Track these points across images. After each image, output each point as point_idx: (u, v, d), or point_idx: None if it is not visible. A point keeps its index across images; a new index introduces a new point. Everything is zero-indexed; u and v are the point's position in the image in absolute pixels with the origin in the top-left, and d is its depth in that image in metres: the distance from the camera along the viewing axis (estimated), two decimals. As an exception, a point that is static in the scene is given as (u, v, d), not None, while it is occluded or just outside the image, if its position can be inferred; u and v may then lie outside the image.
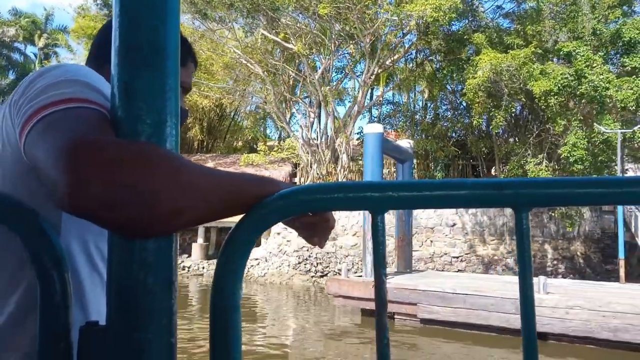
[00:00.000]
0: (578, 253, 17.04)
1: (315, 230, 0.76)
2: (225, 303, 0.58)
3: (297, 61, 18.64)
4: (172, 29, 0.61)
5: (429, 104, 20.48)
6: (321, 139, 18.02)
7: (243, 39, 18.74)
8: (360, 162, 19.66)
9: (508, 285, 10.25)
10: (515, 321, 9.15)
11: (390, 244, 13.70)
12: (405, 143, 13.27)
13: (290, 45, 15.91)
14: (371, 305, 10.78)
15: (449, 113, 19.30)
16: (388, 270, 13.92)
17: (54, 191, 0.54)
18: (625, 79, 12.42)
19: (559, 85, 11.86)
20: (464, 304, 9.51)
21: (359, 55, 16.92)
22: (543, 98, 12.41)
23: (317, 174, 18.00)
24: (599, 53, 12.14)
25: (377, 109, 21.87)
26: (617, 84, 12.15)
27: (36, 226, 0.61)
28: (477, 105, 13.61)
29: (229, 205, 0.59)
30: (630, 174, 25.67)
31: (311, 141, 17.81)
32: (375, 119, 20.87)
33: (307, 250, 17.17)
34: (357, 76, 17.58)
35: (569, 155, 12.31)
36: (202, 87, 17.60)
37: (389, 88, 18.06)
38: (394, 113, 20.35)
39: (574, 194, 0.53)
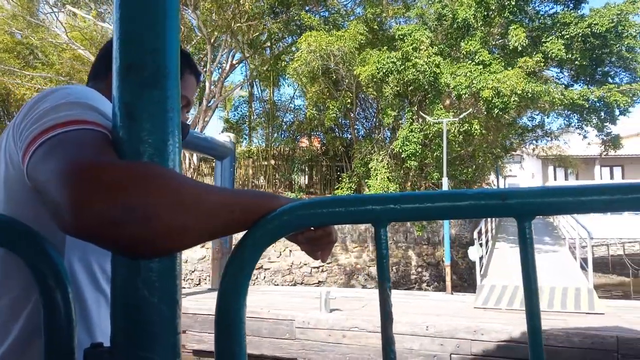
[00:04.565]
0: (444, 259, 15.82)
1: (318, 245, 0.73)
2: (231, 320, 0.57)
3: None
4: (172, 49, 0.60)
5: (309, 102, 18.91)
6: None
7: (84, 22, 16.34)
8: (213, 163, 17.68)
9: (308, 302, 8.55)
10: (289, 347, 7.43)
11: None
12: (223, 137, 11.42)
13: (105, 25, 13.75)
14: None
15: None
16: (199, 288, 11.97)
17: (56, 213, 0.53)
18: (461, 64, 11.20)
19: (383, 70, 10.42)
20: (236, 329, 7.68)
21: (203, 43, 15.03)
22: (371, 86, 10.97)
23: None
24: (427, 34, 10.81)
25: (262, 108, 20.02)
26: (450, 70, 10.89)
27: (39, 248, 0.59)
28: (311, 94, 12.04)
29: (232, 222, 0.59)
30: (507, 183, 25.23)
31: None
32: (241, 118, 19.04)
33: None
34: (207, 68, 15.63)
35: (401, 150, 10.89)
36: (21, 77, 14.93)
37: (242, 81, 16.26)
38: (263, 112, 18.61)
39: (579, 202, 0.52)
